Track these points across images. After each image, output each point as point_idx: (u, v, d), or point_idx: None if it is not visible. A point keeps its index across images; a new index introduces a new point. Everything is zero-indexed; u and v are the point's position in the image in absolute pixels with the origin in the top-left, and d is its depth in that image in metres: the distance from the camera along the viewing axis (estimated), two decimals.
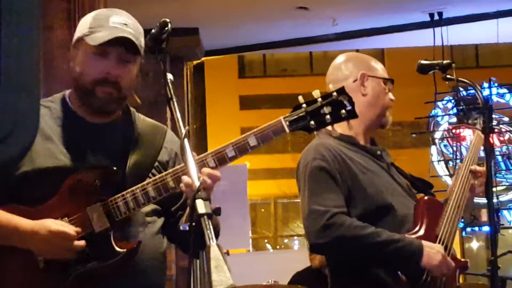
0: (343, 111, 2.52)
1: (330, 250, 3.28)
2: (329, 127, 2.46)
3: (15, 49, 0.98)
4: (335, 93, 2.53)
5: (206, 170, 2.44)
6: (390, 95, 3.50)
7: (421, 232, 3.28)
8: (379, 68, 3.51)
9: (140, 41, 2.69)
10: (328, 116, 2.52)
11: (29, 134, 1.01)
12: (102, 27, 2.66)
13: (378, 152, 3.46)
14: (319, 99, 2.52)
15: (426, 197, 3.42)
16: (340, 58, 3.54)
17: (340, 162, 3.28)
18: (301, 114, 2.52)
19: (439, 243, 3.27)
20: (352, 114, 2.54)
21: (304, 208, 3.24)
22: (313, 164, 3.27)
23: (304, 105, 2.52)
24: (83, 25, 2.72)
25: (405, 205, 3.35)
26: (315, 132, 2.59)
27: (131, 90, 2.76)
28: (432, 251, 3.20)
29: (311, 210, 3.20)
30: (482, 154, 3.51)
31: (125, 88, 2.69)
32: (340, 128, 3.32)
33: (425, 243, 3.22)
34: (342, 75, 3.46)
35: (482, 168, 3.44)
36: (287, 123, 2.52)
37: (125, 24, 2.67)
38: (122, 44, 2.65)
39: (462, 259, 3.45)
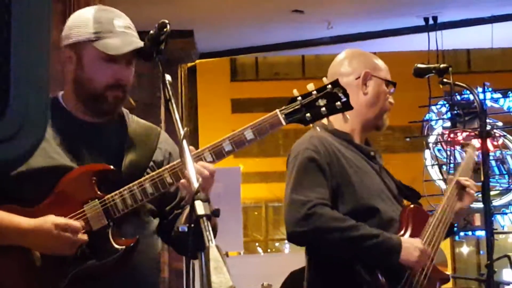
0: (338, 103, 2.55)
1: (307, 240, 3.25)
2: (325, 121, 2.49)
3: (25, 45, 0.98)
4: (329, 86, 2.55)
5: (200, 162, 2.44)
6: (390, 99, 3.49)
7: (407, 236, 3.28)
8: (384, 69, 3.50)
9: None
10: (323, 108, 2.54)
11: (38, 132, 1.01)
12: (111, 33, 2.63)
13: (372, 153, 3.46)
14: (314, 92, 2.55)
15: (412, 206, 3.43)
16: (345, 54, 3.52)
17: (332, 156, 3.27)
18: (296, 107, 2.54)
19: None
20: (347, 106, 2.56)
21: (287, 197, 3.22)
22: (304, 155, 3.26)
23: (299, 98, 2.54)
24: (84, 27, 2.67)
25: (392, 209, 3.35)
26: (311, 125, 2.59)
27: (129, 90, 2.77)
28: (411, 247, 3.19)
29: (293, 199, 3.19)
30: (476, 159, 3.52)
31: (128, 90, 2.72)
32: (337, 123, 3.34)
33: (404, 239, 3.22)
34: (345, 70, 3.44)
35: (471, 182, 3.43)
36: (283, 115, 2.53)
37: (129, 27, 2.67)
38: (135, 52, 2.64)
39: (445, 271, 3.45)
